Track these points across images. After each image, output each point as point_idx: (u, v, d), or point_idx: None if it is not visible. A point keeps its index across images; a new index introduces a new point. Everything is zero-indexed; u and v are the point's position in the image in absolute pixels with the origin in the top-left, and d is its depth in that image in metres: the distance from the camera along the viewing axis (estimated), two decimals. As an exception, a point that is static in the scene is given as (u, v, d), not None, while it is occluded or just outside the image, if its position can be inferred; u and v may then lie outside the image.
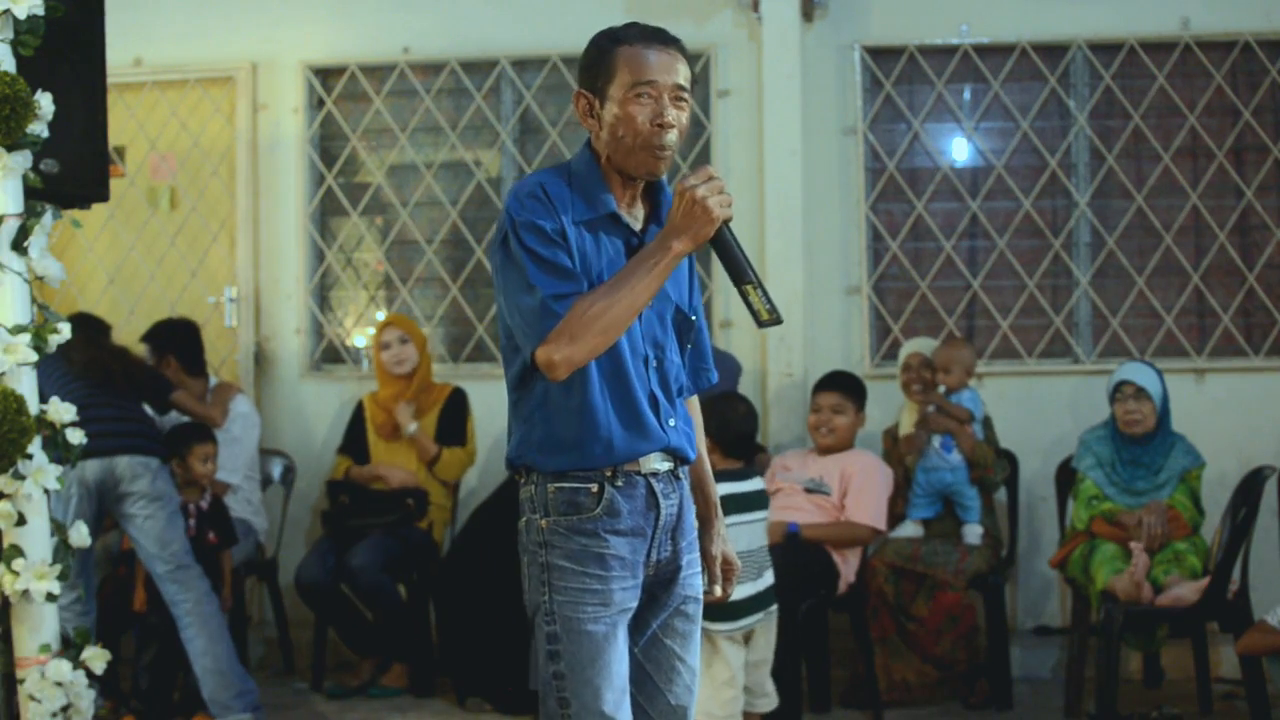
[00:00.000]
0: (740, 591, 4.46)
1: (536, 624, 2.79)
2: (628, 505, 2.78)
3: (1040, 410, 6.13)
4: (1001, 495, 5.87)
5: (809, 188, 6.16)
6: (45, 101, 4.01)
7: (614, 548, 2.76)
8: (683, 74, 2.81)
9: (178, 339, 5.98)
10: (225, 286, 6.61)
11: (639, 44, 2.80)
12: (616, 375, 2.77)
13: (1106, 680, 5.08)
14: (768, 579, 4.61)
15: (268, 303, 6.59)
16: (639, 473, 2.80)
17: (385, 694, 5.76)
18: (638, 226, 2.84)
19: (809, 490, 5.39)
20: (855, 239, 6.26)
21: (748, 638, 4.59)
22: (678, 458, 2.87)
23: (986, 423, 5.73)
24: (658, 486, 2.82)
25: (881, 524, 5.36)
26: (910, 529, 5.59)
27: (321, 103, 6.60)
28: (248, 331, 6.57)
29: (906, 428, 5.75)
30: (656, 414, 2.81)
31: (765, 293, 2.75)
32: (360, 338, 6.65)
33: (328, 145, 6.66)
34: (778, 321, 2.74)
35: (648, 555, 2.82)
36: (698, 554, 2.95)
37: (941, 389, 5.64)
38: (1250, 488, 5.27)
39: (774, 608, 4.65)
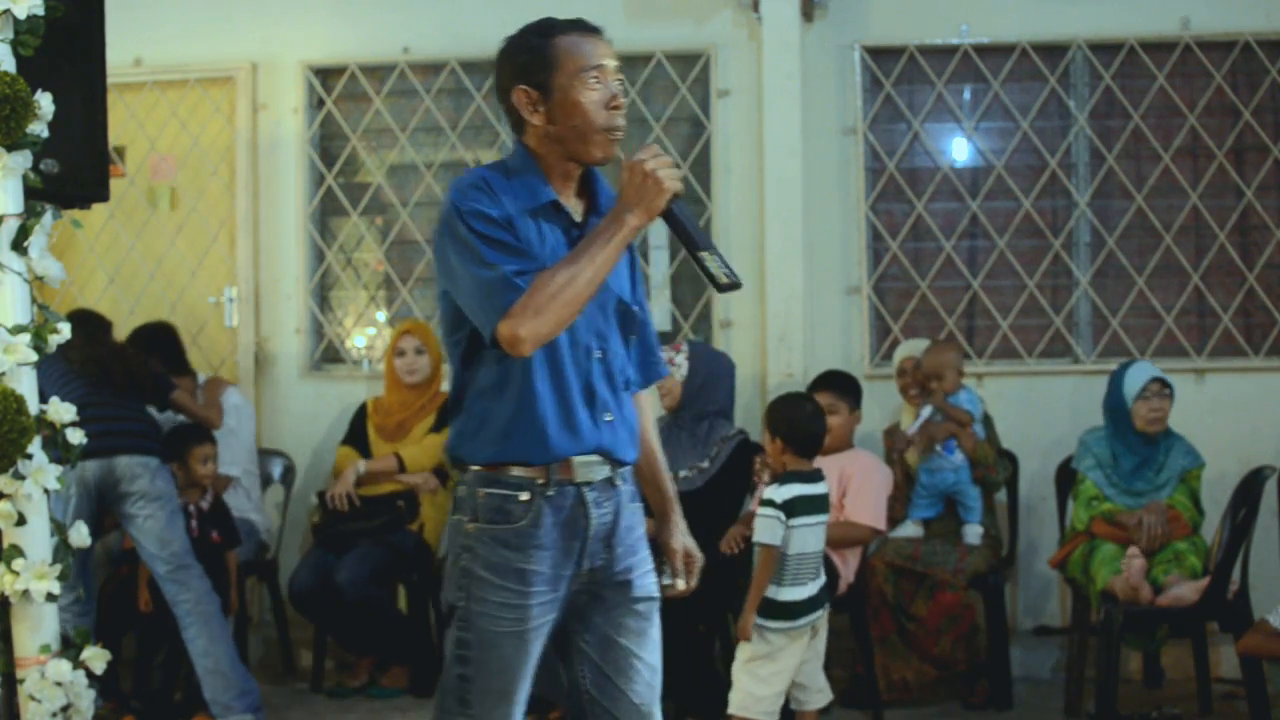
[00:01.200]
0: (801, 592, 4.50)
1: (451, 622, 2.80)
2: (554, 517, 2.78)
3: (1040, 410, 6.13)
4: (1002, 495, 5.87)
5: (809, 188, 6.16)
6: (45, 101, 4.01)
7: (537, 562, 2.77)
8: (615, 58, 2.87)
9: (157, 341, 5.96)
10: (225, 286, 6.61)
11: (573, 33, 2.84)
12: (554, 366, 2.78)
13: (1106, 680, 5.08)
14: (822, 577, 4.63)
15: (268, 303, 6.59)
16: (572, 482, 2.80)
17: (385, 694, 5.76)
18: (578, 218, 2.86)
19: (809, 490, 5.38)
20: (855, 239, 6.26)
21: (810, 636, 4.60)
22: (613, 461, 2.85)
23: (987, 422, 5.73)
24: (590, 496, 2.82)
25: (881, 524, 5.36)
26: (911, 529, 5.59)
27: (321, 103, 6.60)
28: (248, 331, 6.57)
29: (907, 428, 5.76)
30: (592, 409, 2.81)
31: (722, 258, 2.80)
32: (360, 338, 6.65)
33: (328, 145, 6.66)
34: (737, 285, 2.79)
35: (577, 566, 2.82)
36: (646, 553, 2.94)
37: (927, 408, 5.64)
38: (1250, 488, 5.27)
39: (828, 605, 4.66)
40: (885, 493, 5.41)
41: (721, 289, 2.79)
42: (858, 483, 5.35)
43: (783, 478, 4.53)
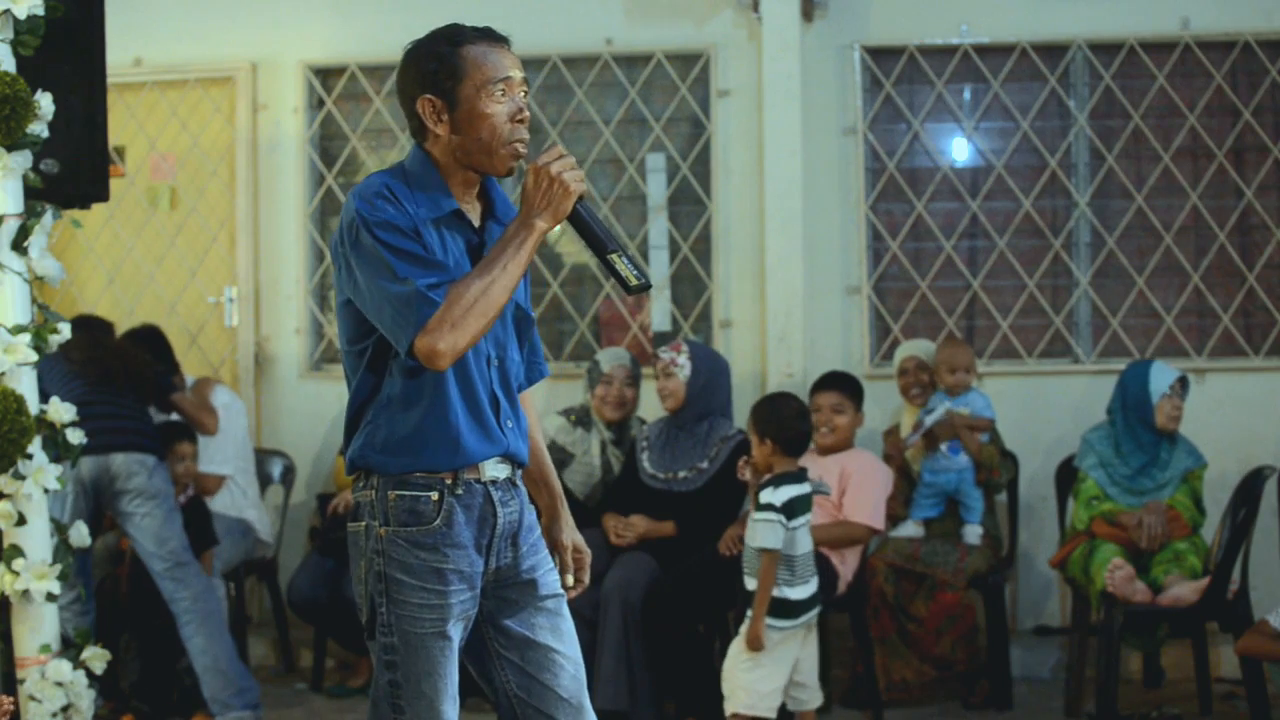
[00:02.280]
0: (802, 591, 4.50)
1: (373, 630, 2.79)
2: (465, 515, 2.78)
3: (1040, 410, 6.13)
4: (1002, 495, 5.87)
5: (809, 188, 6.16)
6: (45, 101, 4.01)
7: (453, 561, 2.76)
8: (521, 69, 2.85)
9: (147, 344, 5.96)
10: (225, 286, 6.61)
11: (481, 43, 2.82)
12: (463, 376, 2.77)
13: (1106, 680, 5.08)
14: (817, 576, 4.63)
15: (268, 303, 6.59)
16: (479, 480, 2.80)
17: (385, 694, 5.76)
18: (477, 224, 2.85)
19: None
20: (855, 239, 6.26)
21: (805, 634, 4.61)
22: (514, 463, 2.87)
23: (991, 424, 5.74)
24: (496, 495, 2.82)
25: (879, 523, 5.35)
26: (911, 528, 5.58)
27: (321, 103, 6.60)
28: (248, 331, 6.57)
29: (906, 430, 5.75)
30: (497, 416, 2.82)
31: (630, 260, 2.78)
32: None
33: (328, 145, 6.65)
34: (646, 287, 2.79)
35: (486, 564, 2.82)
36: (546, 552, 2.94)
37: (945, 401, 5.60)
38: (1250, 488, 5.27)
39: (820, 604, 4.66)
40: (885, 493, 5.41)
41: (630, 290, 2.77)
42: (857, 482, 5.34)
43: (776, 480, 4.52)
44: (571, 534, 3.04)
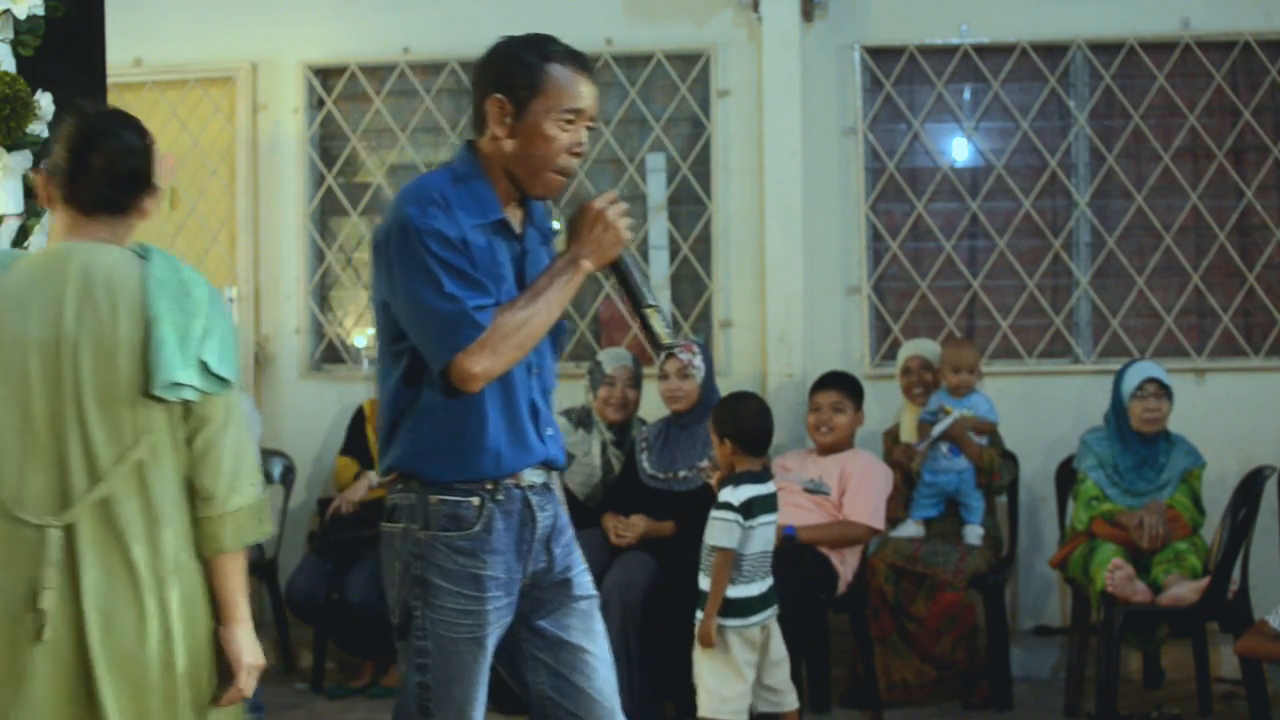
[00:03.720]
0: (752, 589, 4.48)
1: (406, 632, 2.79)
2: (504, 522, 2.79)
3: (1040, 410, 6.13)
4: (1002, 496, 5.86)
5: (809, 188, 6.16)
6: (45, 101, 4.01)
7: (491, 567, 2.77)
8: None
9: None
10: (225, 286, 6.60)
11: (569, 66, 2.82)
12: (505, 385, 2.78)
13: (1106, 680, 5.08)
14: (771, 577, 4.62)
15: (268, 303, 6.59)
16: (518, 486, 2.81)
17: (385, 694, 5.76)
18: (518, 230, 2.86)
19: (809, 490, 5.38)
20: (855, 239, 6.26)
21: (762, 637, 4.59)
22: (551, 467, 2.89)
23: (994, 427, 5.73)
24: (534, 500, 2.84)
25: (879, 523, 5.35)
26: (911, 528, 5.58)
27: (321, 103, 6.60)
28: (247, 331, 6.56)
29: (907, 430, 5.76)
30: (536, 424, 2.84)
31: (665, 316, 2.85)
32: (360, 338, 6.65)
33: (328, 145, 6.66)
34: (674, 348, 2.81)
35: (524, 569, 2.83)
36: (579, 553, 2.96)
37: (946, 401, 5.60)
38: (1250, 488, 5.27)
39: (776, 606, 4.65)
40: (884, 493, 5.41)
41: (659, 349, 2.81)
42: (856, 482, 5.35)
43: (735, 479, 4.49)
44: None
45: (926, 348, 5.87)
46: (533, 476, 2.84)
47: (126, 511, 2.60)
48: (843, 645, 5.58)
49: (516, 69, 2.80)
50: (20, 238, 4.06)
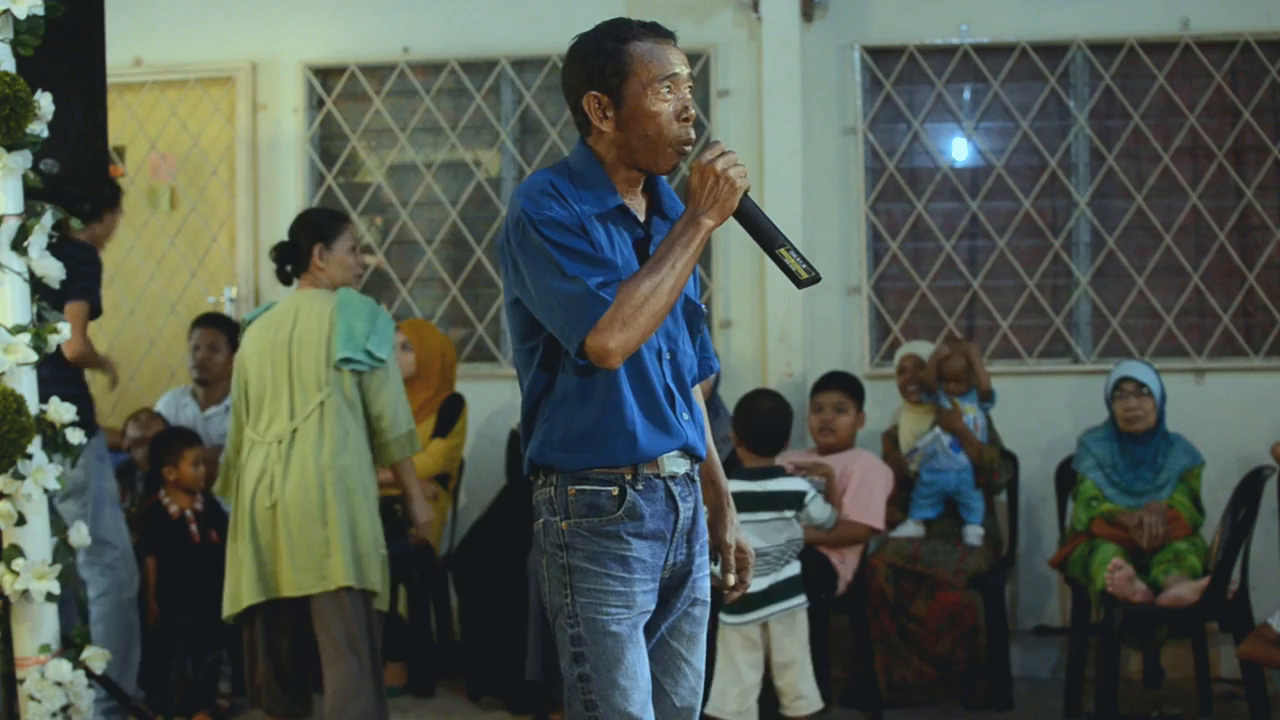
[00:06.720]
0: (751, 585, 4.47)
1: (559, 626, 2.78)
2: (649, 509, 2.77)
3: (1040, 410, 6.13)
4: (1002, 495, 5.87)
5: (809, 188, 6.16)
6: (45, 101, 4.01)
7: (636, 550, 2.76)
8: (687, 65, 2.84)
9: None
10: (225, 286, 6.61)
11: (648, 39, 2.80)
12: (636, 370, 2.76)
13: (1106, 680, 5.09)
14: (783, 573, 4.60)
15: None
16: (658, 475, 2.79)
17: (390, 693, 5.75)
18: (642, 219, 2.85)
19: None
20: (855, 239, 6.27)
21: (765, 636, 4.58)
22: (693, 456, 2.86)
23: (990, 425, 5.74)
24: (676, 489, 2.82)
25: (879, 523, 5.36)
26: (912, 528, 5.59)
27: (321, 103, 6.60)
28: (248, 331, 6.56)
29: (905, 431, 5.76)
30: (673, 408, 2.81)
31: (799, 253, 2.75)
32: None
33: (328, 145, 6.66)
34: (817, 279, 2.75)
35: (665, 558, 2.82)
36: (707, 556, 2.95)
37: (944, 401, 5.63)
38: (1250, 488, 5.27)
39: (792, 605, 4.63)
40: (885, 493, 5.41)
41: (801, 284, 2.75)
42: (857, 482, 5.35)
43: (727, 474, 4.50)
44: (735, 534, 3.03)
45: (923, 348, 5.87)
46: (673, 466, 2.81)
47: (311, 434, 4.43)
48: (843, 645, 5.58)
49: (600, 61, 2.78)
50: (20, 237, 4.06)
